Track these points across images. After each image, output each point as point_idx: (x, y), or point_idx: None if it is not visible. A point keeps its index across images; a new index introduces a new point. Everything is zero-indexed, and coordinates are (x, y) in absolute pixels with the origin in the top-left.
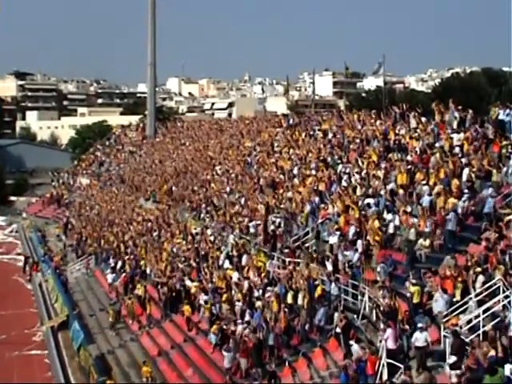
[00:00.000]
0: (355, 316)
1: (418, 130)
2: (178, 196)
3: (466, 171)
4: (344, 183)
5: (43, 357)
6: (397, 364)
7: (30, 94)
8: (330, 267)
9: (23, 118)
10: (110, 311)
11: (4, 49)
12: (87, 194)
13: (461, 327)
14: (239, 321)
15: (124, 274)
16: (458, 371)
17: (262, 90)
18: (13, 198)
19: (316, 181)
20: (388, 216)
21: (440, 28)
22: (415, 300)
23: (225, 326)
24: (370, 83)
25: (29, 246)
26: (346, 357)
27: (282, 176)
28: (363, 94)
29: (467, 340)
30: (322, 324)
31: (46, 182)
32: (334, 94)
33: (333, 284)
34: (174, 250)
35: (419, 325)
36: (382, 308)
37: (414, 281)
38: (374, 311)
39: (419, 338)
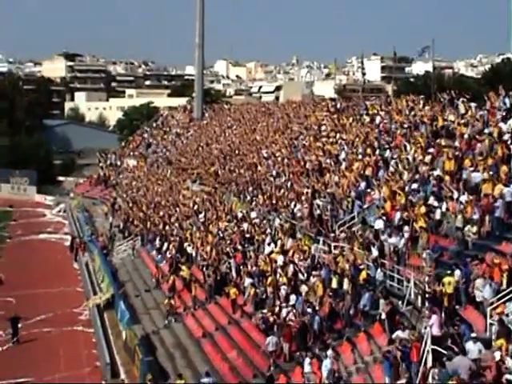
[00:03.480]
0: (400, 302)
1: (467, 116)
2: (224, 179)
3: None
4: (391, 168)
5: (89, 335)
6: (441, 351)
7: (78, 75)
8: (375, 252)
9: (72, 99)
10: (165, 301)
11: (54, 30)
12: (134, 175)
13: (507, 315)
14: (284, 304)
15: (169, 256)
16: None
17: (308, 73)
18: (61, 179)
19: (363, 166)
20: (435, 202)
21: (491, 12)
22: (449, 290)
23: (268, 312)
24: (418, 68)
25: (76, 225)
26: (390, 343)
27: (328, 160)
28: (411, 79)
29: None
30: (366, 309)
31: (93, 163)
32: (381, 78)
33: (378, 269)
34: (220, 232)
35: (472, 335)
36: (427, 294)
37: (449, 271)
38: (419, 297)
39: (472, 350)
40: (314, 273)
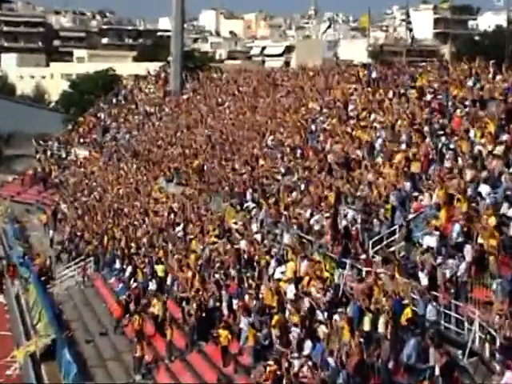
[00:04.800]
0: (460, 352)
1: None
2: (212, 177)
3: None
4: (447, 163)
5: None
6: None
7: (6, 29)
8: (424, 281)
9: None
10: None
11: None
12: (85, 171)
13: None
14: (295, 354)
15: (135, 285)
16: None
17: (330, 29)
18: None
19: (407, 159)
20: (509, 211)
21: None
22: None
23: (273, 365)
24: (486, 21)
25: (2, 242)
26: None
27: (359, 151)
28: (477, 37)
29: None
30: (411, 361)
31: (27, 154)
32: (435, 36)
33: (429, 305)
34: (206, 252)
35: None
36: (498, 341)
37: None
38: (487, 346)
39: None
40: (338, 310)
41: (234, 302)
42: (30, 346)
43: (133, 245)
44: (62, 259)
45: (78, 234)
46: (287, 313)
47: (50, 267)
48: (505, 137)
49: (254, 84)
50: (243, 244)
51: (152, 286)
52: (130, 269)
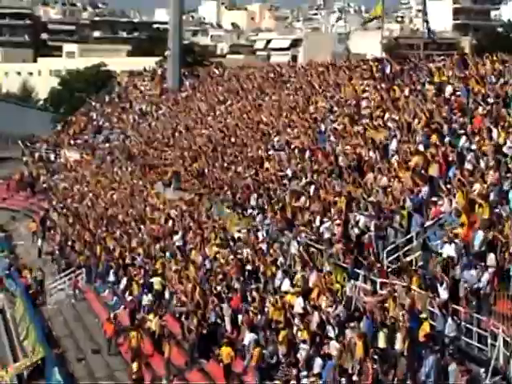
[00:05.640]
0: (482, 370)
1: None
2: (213, 181)
3: None
4: (468, 165)
5: None
6: None
7: None
8: (444, 294)
9: None
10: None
11: None
12: (76, 175)
13: None
14: (304, 373)
15: (130, 298)
16: None
17: (340, 20)
18: None
19: (425, 161)
20: None
21: None
22: None
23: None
24: (510, 11)
25: None
26: None
27: (372, 153)
28: (500, 29)
29: None
30: (430, 380)
31: (13, 157)
32: (454, 27)
33: (449, 319)
34: (207, 262)
35: None
36: None
37: None
38: None
39: None
40: (350, 325)
41: (238, 316)
42: (20, 366)
43: (127, 255)
44: (51, 271)
45: (69, 243)
46: (295, 328)
47: (42, 281)
48: None
49: (259, 80)
50: (247, 254)
51: (148, 299)
52: (124, 281)
